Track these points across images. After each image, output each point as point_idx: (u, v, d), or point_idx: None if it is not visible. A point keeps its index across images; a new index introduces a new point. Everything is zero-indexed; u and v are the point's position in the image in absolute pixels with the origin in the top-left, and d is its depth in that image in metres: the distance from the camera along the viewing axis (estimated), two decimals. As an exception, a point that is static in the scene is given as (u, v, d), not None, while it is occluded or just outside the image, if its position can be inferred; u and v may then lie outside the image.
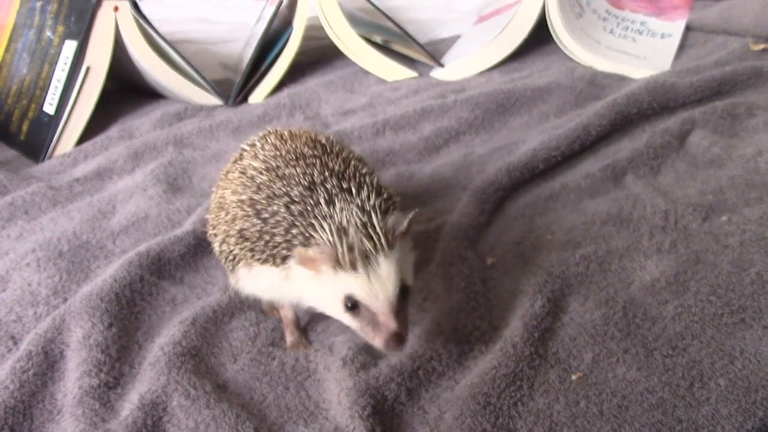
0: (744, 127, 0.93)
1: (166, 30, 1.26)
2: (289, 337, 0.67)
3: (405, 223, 0.57)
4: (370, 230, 0.56)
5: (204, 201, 0.90)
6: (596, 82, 1.12)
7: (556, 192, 0.85)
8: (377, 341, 0.56)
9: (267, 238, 0.59)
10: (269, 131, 0.69)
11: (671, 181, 0.85)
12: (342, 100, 1.22)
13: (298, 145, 0.65)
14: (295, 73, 1.31)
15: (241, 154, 0.68)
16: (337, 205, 0.57)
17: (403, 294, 0.57)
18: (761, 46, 1.15)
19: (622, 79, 1.13)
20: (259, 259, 0.60)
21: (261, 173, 0.62)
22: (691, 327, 0.62)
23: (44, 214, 0.93)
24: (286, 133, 0.68)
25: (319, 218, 0.57)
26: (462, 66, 1.25)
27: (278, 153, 0.64)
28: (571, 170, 0.89)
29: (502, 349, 0.61)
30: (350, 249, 0.55)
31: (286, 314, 0.67)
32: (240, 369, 0.64)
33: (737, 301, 0.64)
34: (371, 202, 0.58)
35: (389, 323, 0.55)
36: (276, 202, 0.59)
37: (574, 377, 0.59)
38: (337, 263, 0.55)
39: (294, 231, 0.58)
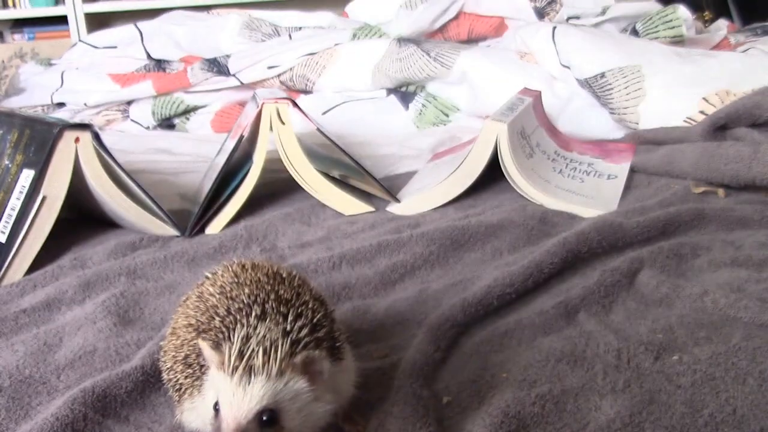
0: (689, 266, 0.96)
1: (126, 160, 1.27)
2: None
3: (299, 359, 0.57)
4: (272, 350, 0.56)
5: (155, 334, 0.88)
6: (547, 220, 1.16)
7: (511, 328, 0.85)
8: None
9: (201, 358, 0.60)
10: (234, 261, 0.70)
11: (622, 318, 0.86)
12: (299, 233, 1.23)
13: (258, 274, 0.66)
14: (253, 205, 1.32)
15: (202, 282, 0.69)
16: (266, 322, 0.58)
17: (267, 423, 0.55)
18: (701, 189, 1.21)
19: (572, 218, 1.16)
20: (197, 388, 0.59)
21: (213, 296, 0.63)
22: (648, 471, 0.62)
23: (-14, 346, 0.90)
24: (248, 263, 0.69)
25: (241, 326, 0.58)
26: (417, 202, 1.28)
27: (236, 280, 0.65)
28: (525, 307, 0.90)
29: (458, 495, 0.59)
30: (239, 356, 0.55)
31: None
32: None
33: (692, 444, 0.64)
34: (302, 333, 0.58)
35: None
36: (215, 318, 0.60)
37: None
38: (221, 364, 0.55)
39: (219, 336, 0.59)
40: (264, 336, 0.56)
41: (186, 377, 0.60)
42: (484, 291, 0.89)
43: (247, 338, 0.56)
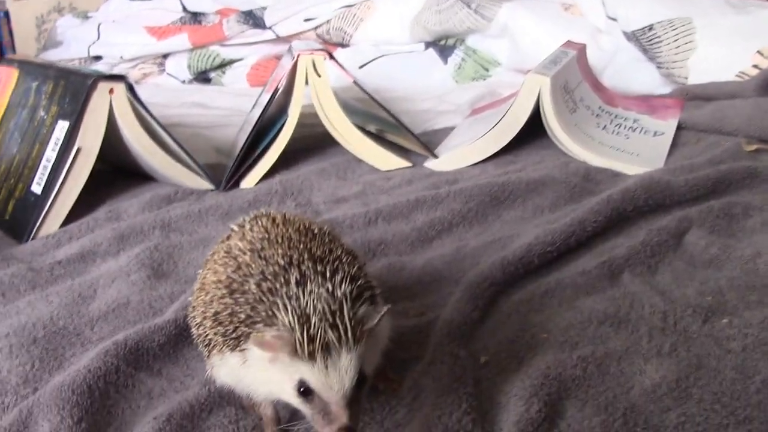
0: (741, 227, 0.92)
1: (162, 113, 1.26)
2: None
3: (375, 320, 0.55)
4: (337, 320, 0.53)
5: (188, 288, 0.87)
6: (590, 177, 1.12)
7: (551, 288, 0.82)
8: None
9: (234, 319, 0.57)
10: (262, 213, 0.67)
11: (669, 280, 0.83)
12: (334, 188, 1.21)
13: (289, 230, 0.63)
14: (287, 160, 1.30)
15: (229, 235, 0.66)
16: (308, 287, 0.55)
17: (360, 383, 0.54)
18: (754, 147, 1.15)
19: (615, 175, 1.12)
20: (229, 346, 0.57)
21: (244, 253, 0.60)
22: (695, 438, 0.59)
23: (22, 297, 0.90)
24: (278, 217, 0.66)
25: (285, 298, 0.54)
26: (456, 157, 1.24)
27: (266, 236, 0.62)
28: (567, 266, 0.87)
29: (496, 458, 0.57)
30: (311, 339, 0.52)
31: (265, 411, 0.63)
32: (215, 473, 0.60)
33: (743, 411, 0.61)
34: (343, 288, 0.55)
35: (341, 416, 0.53)
36: (249, 280, 0.57)
37: (572, 490, 0.56)
38: (294, 351, 0.53)
39: (259, 307, 0.55)
40: (316, 306, 0.53)
41: (215, 334, 0.58)
42: (525, 249, 0.86)
43: (304, 316, 0.53)
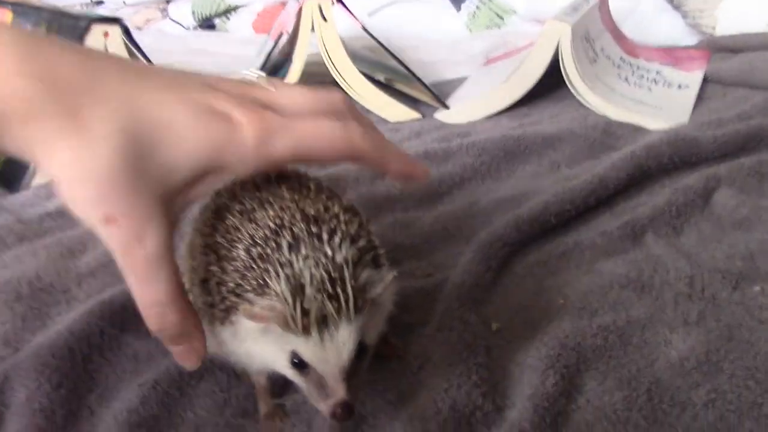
0: (773, 186, 0.86)
1: (164, 60, 1.20)
2: (263, 408, 0.59)
3: (379, 288, 0.50)
4: (337, 288, 0.47)
5: (181, 242, 0.82)
6: (610, 132, 1.05)
7: (569, 250, 0.77)
8: (323, 407, 0.49)
9: (223, 288, 0.51)
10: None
11: (695, 242, 0.77)
12: (340, 140, 1.15)
13: (282, 187, 0.56)
14: (292, 110, 1.24)
15: (219, 192, 0.60)
16: (302, 251, 0.48)
17: (360, 354, 0.49)
18: (786, 101, 1.08)
19: (637, 130, 1.06)
20: (218, 318, 0.52)
21: (234, 215, 0.53)
22: (726, 417, 0.54)
23: (9, 250, 0.85)
24: (272, 173, 0.60)
25: (277, 264, 0.48)
26: (468, 109, 1.18)
27: (257, 194, 0.55)
28: (586, 226, 0.81)
29: (508, 436, 0.53)
30: (305, 312, 0.47)
31: (258, 380, 0.59)
32: (204, 445, 0.56)
33: (779, 389, 0.56)
34: (343, 251, 0.49)
35: (339, 391, 0.48)
36: (238, 246, 0.51)
37: (591, 473, 0.51)
38: (287, 324, 0.47)
39: (249, 275, 0.49)
40: (312, 273, 0.47)
41: (204, 303, 0.53)
42: (541, 207, 0.80)
43: (298, 285, 0.47)
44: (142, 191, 0.45)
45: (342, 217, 0.52)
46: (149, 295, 0.48)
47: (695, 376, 0.58)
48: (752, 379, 0.57)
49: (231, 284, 0.50)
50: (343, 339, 0.48)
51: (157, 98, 0.46)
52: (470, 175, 0.95)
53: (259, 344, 0.50)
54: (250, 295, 0.48)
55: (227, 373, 0.62)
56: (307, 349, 0.48)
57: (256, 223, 0.51)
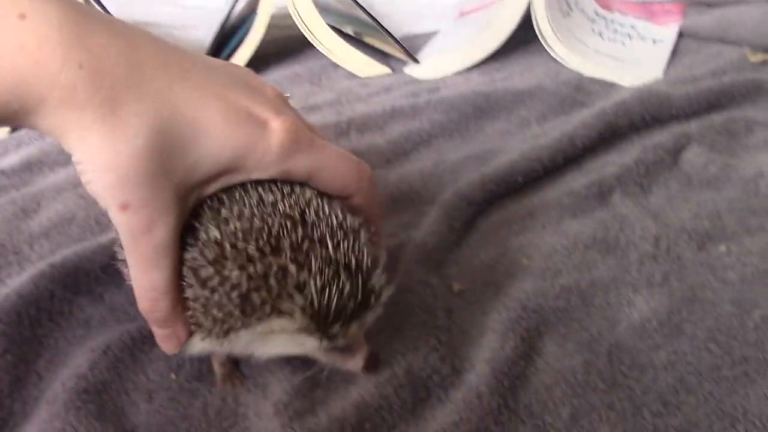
0: (743, 144, 0.85)
1: (129, 11, 1.16)
2: (219, 370, 0.57)
3: (391, 289, 0.50)
4: (359, 291, 0.47)
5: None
6: (583, 88, 1.03)
7: (535, 209, 0.76)
8: (352, 366, 0.51)
9: (215, 312, 0.48)
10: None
11: (663, 202, 0.76)
12: (307, 94, 1.12)
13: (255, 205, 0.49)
14: (258, 64, 1.21)
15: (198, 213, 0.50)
16: (313, 265, 0.46)
17: None
18: (760, 58, 1.07)
19: (610, 86, 1.04)
20: (216, 334, 0.49)
21: (223, 247, 0.48)
22: (685, 379, 0.53)
23: (-40, 209, 0.83)
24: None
25: (290, 287, 0.46)
26: (439, 64, 1.15)
27: (238, 226, 0.48)
28: (553, 185, 0.80)
29: (464, 400, 0.52)
30: (325, 321, 0.47)
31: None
32: (155, 410, 0.54)
33: (739, 351, 0.55)
34: (356, 253, 0.48)
35: (362, 349, 0.51)
36: (228, 265, 0.47)
37: (548, 437, 0.50)
38: (308, 332, 0.47)
39: (255, 299, 0.46)
40: (333, 291, 0.46)
41: (204, 317, 0.49)
42: (508, 166, 0.78)
43: (319, 305, 0.46)
44: (162, 185, 0.46)
45: (325, 210, 0.49)
46: (148, 281, 0.49)
47: (656, 338, 0.57)
48: (713, 341, 0.56)
49: (232, 310, 0.47)
50: (366, 324, 0.49)
51: (196, 97, 0.47)
52: (438, 132, 0.93)
53: (272, 347, 0.50)
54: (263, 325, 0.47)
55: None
56: (334, 343, 0.48)
57: (243, 234, 0.47)
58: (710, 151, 0.82)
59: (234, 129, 0.48)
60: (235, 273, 0.46)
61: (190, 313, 0.50)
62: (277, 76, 1.18)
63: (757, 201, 0.74)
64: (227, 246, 0.47)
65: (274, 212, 0.48)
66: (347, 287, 0.46)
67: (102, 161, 0.45)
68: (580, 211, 0.75)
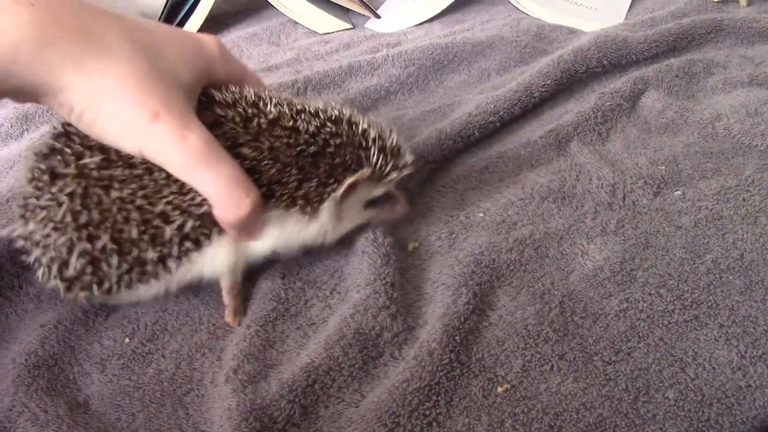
0: (701, 87, 0.84)
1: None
2: (232, 302, 0.58)
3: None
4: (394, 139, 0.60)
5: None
6: (543, 36, 1.02)
7: (492, 162, 0.75)
8: (400, 209, 0.62)
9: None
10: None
11: (620, 149, 0.75)
12: (266, 55, 1.10)
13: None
14: (217, 24, 1.19)
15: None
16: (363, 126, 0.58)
17: None
18: (721, -3, 1.06)
19: (572, 33, 1.03)
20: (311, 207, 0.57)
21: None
22: (637, 326, 0.54)
23: None
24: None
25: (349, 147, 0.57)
26: (398, 16, 1.13)
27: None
28: (510, 136, 0.79)
29: (416, 357, 0.52)
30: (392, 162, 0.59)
31: (236, 277, 0.59)
32: (108, 380, 0.54)
33: (690, 295, 0.55)
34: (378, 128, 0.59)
35: (401, 197, 0.62)
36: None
37: (500, 389, 0.50)
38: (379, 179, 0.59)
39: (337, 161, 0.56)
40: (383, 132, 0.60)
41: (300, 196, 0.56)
42: (464, 121, 0.77)
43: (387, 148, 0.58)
44: (171, 85, 0.50)
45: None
46: (224, 173, 0.50)
47: (608, 286, 0.57)
48: (664, 287, 0.56)
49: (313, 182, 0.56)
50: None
51: (146, 24, 0.52)
52: (397, 88, 0.92)
53: (345, 212, 0.59)
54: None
55: (134, 306, 0.60)
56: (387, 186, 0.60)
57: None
58: (668, 95, 0.82)
59: (184, 38, 0.54)
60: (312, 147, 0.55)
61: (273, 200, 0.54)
62: (234, 36, 1.16)
63: (714, 144, 0.74)
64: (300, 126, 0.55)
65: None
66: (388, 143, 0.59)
67: (110, 83, 0.47)
68: (537, 161, 0.74)
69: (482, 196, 0.70)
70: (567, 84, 0.85)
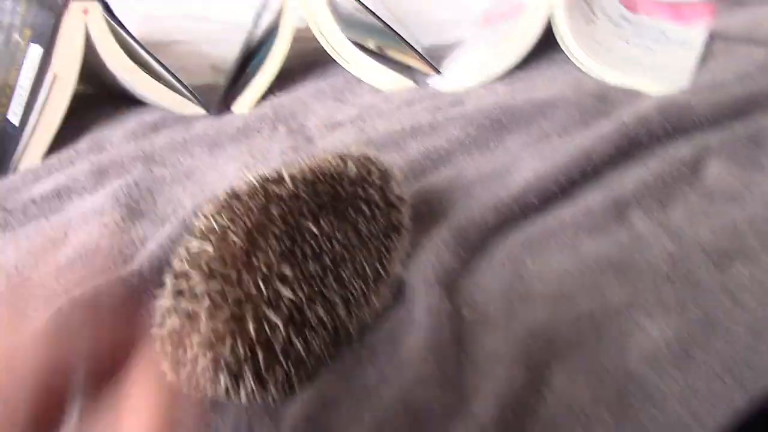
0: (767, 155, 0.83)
1: (158, 28, 1.18)
2: None
3: None
4: None
5: (162, 229, 0.81)
6: (606, 97, 1.02)
7: (550, 228, 0.75)
8: None
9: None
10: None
11: (681, 218, 0.74)
12: (331, 111, 1.12)
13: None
14: (285, 79, 1.22)
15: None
16: None
17: None
18: (790, 59, 1.04)
19: (636, 95, 1.02)
20: None
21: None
22: (698, 414, 0.53)
23: (-8, 239, 0.85)
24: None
25: None
26: (460, 75, 1.15)
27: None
28: (570, 202, 0.79)
29: (468, 433, 0.52)
30: None
31: None
32: None
33: (753, 385, 0.54)
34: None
35: None
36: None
37: (554, 473, 0.50)
38: None
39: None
40: None
41: None
42: (522, 187, 0.77)
43: None
44: None
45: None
46: None
47: (668, 369, 0.56)
48: (729, 373, 0.55)
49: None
50: None
51: None
52: (456, 149, 0.93)
53: None
54: None
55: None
56: None
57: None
58: (732, 163, 0.81)
59: None
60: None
61: None
62: (301, 92, 1.19)
63: (781, 216, 0.72)
64: None
65: None
66: None
67: None
68: (596, 229, 0.74)
69: (541, 264, 0.70)
70: (628, 149, 0.85)
